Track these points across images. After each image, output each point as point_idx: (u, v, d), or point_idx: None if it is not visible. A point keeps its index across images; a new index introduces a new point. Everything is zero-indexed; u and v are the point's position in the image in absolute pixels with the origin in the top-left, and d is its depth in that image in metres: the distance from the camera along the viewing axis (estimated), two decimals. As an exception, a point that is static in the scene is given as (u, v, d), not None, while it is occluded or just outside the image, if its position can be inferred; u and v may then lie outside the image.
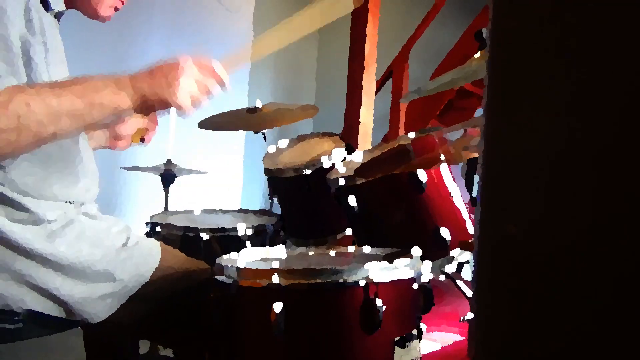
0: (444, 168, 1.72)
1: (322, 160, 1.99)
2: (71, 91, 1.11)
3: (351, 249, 1.57)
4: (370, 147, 2.03)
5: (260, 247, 1.53)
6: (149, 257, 1.44)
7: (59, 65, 1.33)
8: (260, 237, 1.91)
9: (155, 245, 1.49)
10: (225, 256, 1.42)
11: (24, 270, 1.25)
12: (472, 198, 1.62)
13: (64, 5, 1.36)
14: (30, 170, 1.25)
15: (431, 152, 1.76)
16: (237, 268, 1.28)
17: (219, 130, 2.47)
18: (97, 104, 1.13)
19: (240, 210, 2.25)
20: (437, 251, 1.61)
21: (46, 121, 1.08)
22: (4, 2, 1.13)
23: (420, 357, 1.30)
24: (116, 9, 1.44)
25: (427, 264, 1.32)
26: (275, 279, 1.20)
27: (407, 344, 1.25)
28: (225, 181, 4.52)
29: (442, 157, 1.72)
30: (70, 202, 1.35)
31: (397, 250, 1.40)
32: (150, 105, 1.21)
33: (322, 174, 1.89)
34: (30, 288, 1.27)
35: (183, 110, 1.24)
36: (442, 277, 1.76)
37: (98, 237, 1.37)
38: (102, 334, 1.58)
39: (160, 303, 1.44)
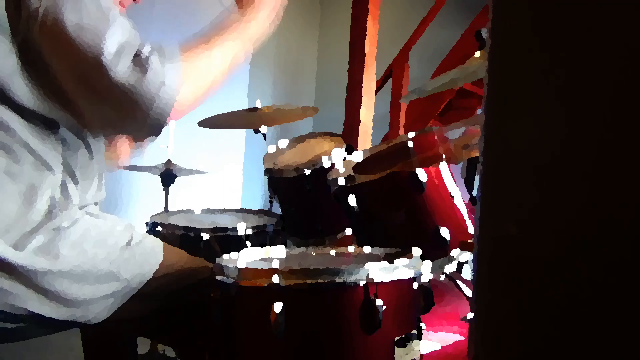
0: (444, 168, 1.71)
1: (322, 160, 1.99)
2: (232, 32, 1.34)
3: (351, 249, 1.57)
4: (370, 147, 2.03)
5: (260, 247, 1.53)
6: (152, 255, 1.44)
7: None
8: (260, 237, 1.91)
9: (157, 243, 1.49)
10: (225, 256, 1.42)
11: (29, 275, 1.26)
12: (472, 197, 1.62)
13: None
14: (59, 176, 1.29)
15: (431, 150, 1.75)
16: (237, 268, 1.28)
17: (218, 129, 2.47)
18: (250, 37, 1.35)
19: (240, 210, 2.25)
20: (437, 251, 1.61)
21: (228, 67, 1.30)
22: None
23: (420, 357, 1.30)
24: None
25: (427, 264, 1.32)
26: (275, 279, 1.20)
27: (407, 344, 1.25)
28: (225, 181, 4.52)
29: (443, 155, 1.72)
30: (83, 206, 1.37)
31: (397, 250, 1.40)
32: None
33: (322, 174, 1.89)
34: (35, 291, 1.27)
35: None
36: (442, 277, 1.76)
37: (102, 236, 1.37)
38: (101, 333, 1.59)
39: (162, 301, 1.45)
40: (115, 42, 1.17)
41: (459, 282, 1.92)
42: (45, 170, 1.27)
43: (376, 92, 4.30)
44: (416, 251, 1.33)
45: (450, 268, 1.65)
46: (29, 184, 1.25)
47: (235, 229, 1.87)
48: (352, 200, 1.69)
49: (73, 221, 1.33)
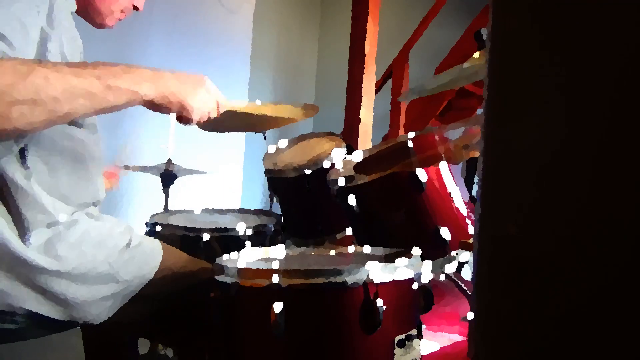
0: (444, 168, 1.72)
1: (322, 160, 1.99)
2: (91, 73, 1.10)
3: (351, 249, 1.57)
4: (370, 147, 2.03)
5: (260, 247, 1.53)
6: (151, 257, 1.45)
7: (76, 59, 1.32)
8: (260, 237, 1.91)
9: (157, 245, 1.49)
10: (225, 256, 1.42)
11: (28, 275, 1.26)
12: (472, 197, 1.62)
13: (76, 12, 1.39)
14: (50, 173, 1.28)
15: (431, 149, 1.75)
16: (237, 268, 1.28)
17: (218, 132, 2.46)
18: (114, 88, 1.11)
19: (240, 210, 2.25)
20: (437, 251, 1.61)
21: (62, 98, 1.05)
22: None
23: (420, 357, 1.30)
24: (119, 19, 1.49)
25: (427, 264, 1.32)
26: (275, 279, 1.20)
27: (407, 344, 1.25)
28: (225, 181, 4.52)
29: (442, 155, 1.72)
30: (79, 205, 1.36)
31: (397, 250, 1.40)
32: (165, 106, 1.22)
33: (322, 174, 1.89)
34: (33, 290, 1.28)
35: (191, 120, 1.29)
36: (442, 277, 1.76)
37: (101, 237, 1.37)
38: (102, 333, 1.59)
39: (162, 302, 1.45)
40: None
41: (459, 282, 1.92)
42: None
43: (376, 92, 4.30)
44: (416, 251, 1.33)
45: (450, 268, 1.65)
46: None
47: (235, 229, 1.87)
48: (352, 200, 1.69)
49: (72, 222, 1.33)
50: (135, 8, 1.51)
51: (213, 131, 2.37)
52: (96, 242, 1.35)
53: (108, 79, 1.11)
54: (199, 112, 1.29)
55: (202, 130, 2.35)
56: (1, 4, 1.10)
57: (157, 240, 1.53)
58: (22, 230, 1.25)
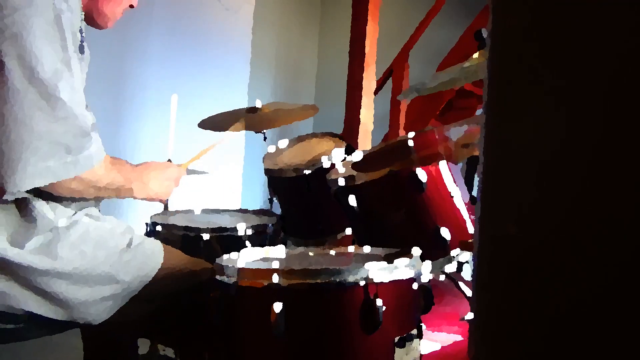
0: (444, 168, 1.71)
1: (322, 160, 1.99)
2: (125, 177, 1.42)
3: (351, 249, 1.57)
4: (370, 147, 2.03)
5: (260, 247, 1.53)
6: (152, 258, 1.44)
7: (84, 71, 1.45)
8: (260, 237, 1.91)
9: (157, 245, 1.49)
10: (225, 256, 1.42)
11: (28, 276, 1.26)
12: (472, 197, 1.62)
13: None
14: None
15: (431, 148, 1.75)
16: (237, 268, 1.28)
17: (218, 131, 2.47)
18: (127, 190, 1.44)
19: (240, 210, 2.25)
20: (437, 251, 1.61)
21: (107, 190, 1.38)
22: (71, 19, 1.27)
23: (420, 357, 1.30)
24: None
25: (427, 264, 1.32)
26: (275, 279, 1.20)
27: (407, 344, 1.25)
28: (225, 181, 4.52)
29: (443, 154, 1.71)
30: (79, 206, 1.37)
31: (397, 250, 1.40)
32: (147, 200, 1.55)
33: (322, 174, 1.89)
34: (33, 291, 1.28)
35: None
36: (442, 277, 1.76)
37: (102, 238, 1.37)
38: (102, 334, 1.59)
39: (162, 303, 1.45)
40: None
41: (459, 282, 1.92)
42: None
43: (376, 92, 4.30)
44: (416, 251, 1.33)
45: (450, 268, 1.65)
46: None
47: (235, 229, 1.87)
48: (352, 200, 1.69)
49: (72, 223, 1.33)
50: (131, 6, 1.52)
51: (212, 130, 2.38)
52: (96, 243, 1.35)
53: (127, 183, 1.43)
54: (168, 195, 1.60)
55: (201, 129, 2.36)
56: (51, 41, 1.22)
57: (157, 241, 1.53)
58: (22, 236, 1.26)
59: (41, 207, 1.28)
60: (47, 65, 1.19)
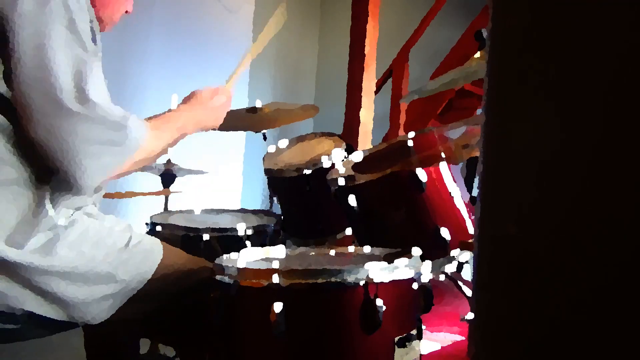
0: (444, 168, 1.71)
1: (322, 160, 1.99)
2: (172, 129, 1.47)
3: (351, 249, 1.57)
4: (370, 147, 2.03)
5: (260, 247, 1.53)
6: (151, 255, 1.44)
7: None
8: (260, 237, 1.91)
9: (156, 243, 1.49)
10: (225, 256, 1.42)
11: (27, 276, 1.26)
12: (472, 197, 1.62)
13: None
14: (54, 179, 1.30)
15: (431, 149, 1.76)
16: (237, 268, 1.28)
17: (219, 131, 2.46)
18: (180, 137, 1.50)
19: (240, 210, 2.25)
20: (437, 251, 1.61)
21: (165, 148, 1.45)
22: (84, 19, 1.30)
23: (420, 357, 1.30)
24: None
25: (427, 264, 1.32)
26: (275, 279, 1.20)
27: (407, 344, 1.25)
28: (225, 181, 4.52)
29: (443, 155, 1.72)
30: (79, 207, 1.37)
31: (397, 250, 1.40)
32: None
33: (322, 174, 1.89)
34: (32, 291, 1.28)
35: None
36: (442, 277, 1.76)
37: (100, 237, 1.37)
38: (103, 333, 1.58)
39: (162, 301, 1.45)
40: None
41: (459, 282, 1.92)
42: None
43: (376, 92, 4.30)
44: (416, 251, 1.33)
45: (450, 268, 1.65)
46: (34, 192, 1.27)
47: (235, 229, 1.87)
48: (352, 200, 1.69)
49: (71, 222, 1.33)
50: (126, 12, 1.55)
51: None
52: (95, 242, 1.35)
53: (180, 132, 1.49)
54: (221, 121, 1.63)
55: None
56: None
57: (156, 239, 1.53)
58: (22, 236, 1.26)
59: (46, 204, 1.29)
60: (70, 75, 1.24)
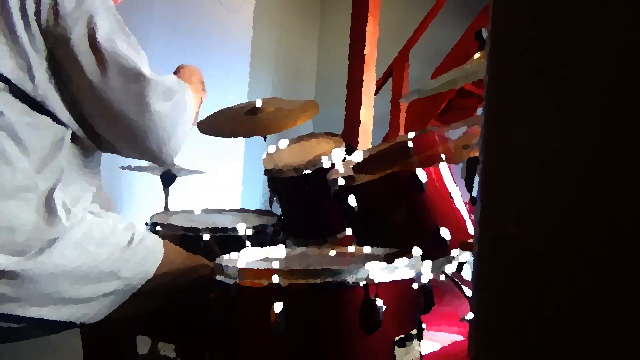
0: (444, 168, 1.71)
1: (322, 160, 1.99)
2: (196, 91, 1.51)
3: (351, 249, 1.57)
4: (370, 147, 2.03)
5: (260, 247, 1.53)
6: (153, 253, 1.45)
7: None
8: (260, 237, 1.91)
9: (158, 241, 1.49)
10: (225, 256, 1.42)
11: (31, 281, 1.26)
12: (472, 198, 1.61)
13: None
14: (65, 181, 1.31)
15: (431, 149, 1.75)
16: (237, 268, 1.28)
17: (218, 136, 2.46)
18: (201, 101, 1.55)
19: (240, 210, 2.25)
20: (437, 251, 1.61)
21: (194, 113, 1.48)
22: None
23: (420, 357, 1.30)
24: None
25: (427, 264, 1.32)
26: (275, 279, 1.20)
27: (407, 344, 1.25)
28: (225, 181, 4.52)
29: (443, 155, 1.71)
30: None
31: (397, 250, 1.40)
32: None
33: (322, 174, 1.89)
34: (36, 295, 1.27)
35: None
36: (442, 277, 1.76)
37: (104, 235, 1.37)
38: (101, 331, 1.59)
39: (162, 299, 1.45)
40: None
41: (459, 282, 1.92)
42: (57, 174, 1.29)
43: (376, 92, 4.30)
44: (416, 251, 1.33)
45: (450, 268, 1.65)
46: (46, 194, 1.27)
47: (235, 229, 1.87)
48: (352, 200, 1.69)
49: (77, 221, 1.33)
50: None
51: (214, 135, 2.37)
52: (99, 241, 1.35)
53: (199, 96, 1.54)
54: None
55: (203, 133, 2.36)
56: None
57: (158, 237, 1.53)
58: (34, 242, 1.26)
59: (58, 210, 1.28)
60: (131, 52, 1.35)
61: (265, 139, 2.40)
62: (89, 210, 1.39)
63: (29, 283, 1.25)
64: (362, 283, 1.19)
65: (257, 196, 4.98)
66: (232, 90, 4.28)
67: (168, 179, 2.71)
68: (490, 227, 0.63)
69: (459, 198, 1.72)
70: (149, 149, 1.37)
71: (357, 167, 1.82)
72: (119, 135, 1.37)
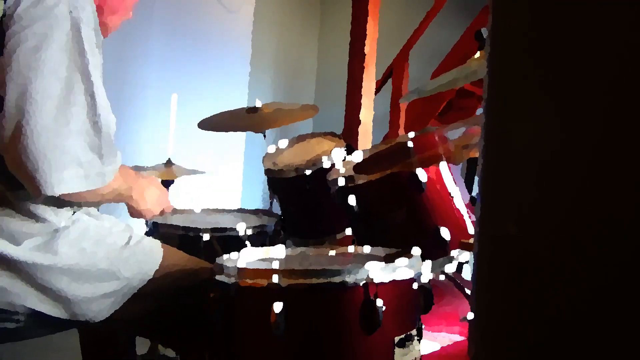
0: (444, 168, 1.71)
1: (322, 160, 1.99)
2: (125, 183, 1.38)
3: (351, 249, 1.57)
4: (370, 147, 2.03)
5: (260, 247, 1.53)
6: (151, 255, 1.45)
7: None
8: (260, 237, 1.91)
9: (156, 244, 1.50)
10: (225, 256, 1.42)
11: (29, 271, 1.26)
12: (472, 198, 1.62)
13: None
14: None
15: (431, 150, 1.75)
16: (237, 268, 1.28)
17: (218, 131, 2.47)
18: (126, 197, 1.42)
19: (240, 210, 2.25)
20: (437, 251, 1.61)
21: (112, 197, 1.37)
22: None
23: (420, 357, 1.30)
24: None
25: (427, 264, 1.32)
26: (275, 279, 1.20)
27: (407, 344, 1.25)
28: (225, 181, 4.52)
29: (442, 155, 1.71)
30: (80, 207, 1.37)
31: (397, 250, 1.40)
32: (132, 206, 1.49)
33: (322, 174, 1.89)
34: (34, 288, 1.28)
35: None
36: (442, 277, 1.76)
37: (101, 235, 1.38)
38: (99, 333, 1.59)
39: (162, 301, 1.45)
40: None
41: (459, 282, 1.92)
42: None
43: (376, 92, 4.30)
44: (416, 251, 1.33)
45: (450, 268, 1.65)
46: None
47: (235, 229, 1.87)
48: (352, 200, 1.69)
49: (72, 221, 1.34)
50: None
51: (212, 130, 2.38)
52: (96, 240, 1.36)
53: (129, 192, 1.41)
54: (150, 215, 1.54)
55: (202, 130, 2.36)
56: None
57: (156, 240, 1.53)
58: (21, 236, 1.26)
59: (43, 212, 1.29)
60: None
61: (265, 138, 2.40)
62: (85, 212, 1.39)
63: (27, 277, 1.26)
64: (362, 283, 1.19)
65: (257, 196, 4.97)
66: (232, 91, 4.28)
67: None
68: (490, 227, 0.63)
69: (459, 198, 1.72)
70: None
71: (357, 167, 1.82)
72: None
